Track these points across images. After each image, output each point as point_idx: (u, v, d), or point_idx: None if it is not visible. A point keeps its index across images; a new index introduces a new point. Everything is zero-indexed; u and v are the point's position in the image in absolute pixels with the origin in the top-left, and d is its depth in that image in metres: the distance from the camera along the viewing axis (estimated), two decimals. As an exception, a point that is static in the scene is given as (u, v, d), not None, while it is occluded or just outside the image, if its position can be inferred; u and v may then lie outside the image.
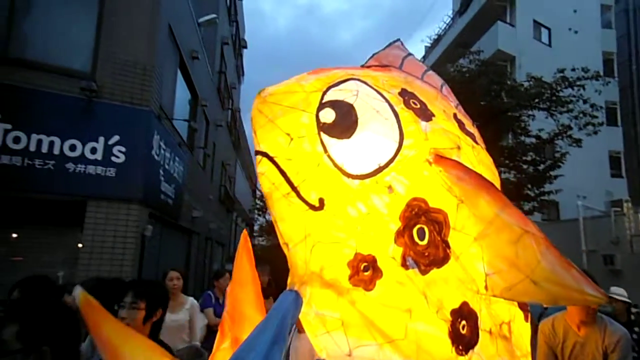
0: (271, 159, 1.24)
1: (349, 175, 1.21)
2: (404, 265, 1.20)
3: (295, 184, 1.21)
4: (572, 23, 20.41)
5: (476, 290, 1.23)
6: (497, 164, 1.59)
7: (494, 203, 1.17)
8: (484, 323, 1.27)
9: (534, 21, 20.23)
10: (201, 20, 10.64)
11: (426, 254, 1.21)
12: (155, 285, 2.44)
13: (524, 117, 13.16)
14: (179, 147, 8.13)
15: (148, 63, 6.24)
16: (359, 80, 1.37)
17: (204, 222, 12.01)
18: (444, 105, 1.52)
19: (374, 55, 1.70)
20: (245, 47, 22.90)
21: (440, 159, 1.25)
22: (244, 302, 1.57)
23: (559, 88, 12.64)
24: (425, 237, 1.20)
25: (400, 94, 1.39)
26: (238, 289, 1.61)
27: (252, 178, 27.43)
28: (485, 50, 14.85)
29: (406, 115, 1.31)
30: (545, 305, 1.68)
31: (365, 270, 1.20)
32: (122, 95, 6.05)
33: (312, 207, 1.21)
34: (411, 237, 1.20)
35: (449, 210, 1.23)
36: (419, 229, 1.21)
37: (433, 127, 1.34)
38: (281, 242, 1.27)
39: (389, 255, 1.20)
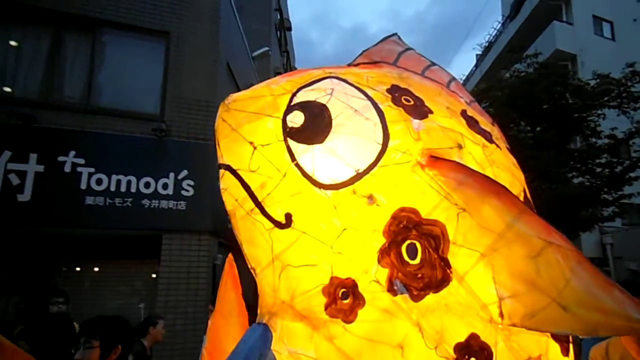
0: (234, 172, 1.11)
1: (320, 186, 1.04)
2: (391, 290, 1.00)
3: (260, 199, 1.07)
4: (637, 13, 19.11)
5: (489, 319, 0.99)
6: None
7: (505, 210, 0.97)
8: None
9: (594, 16, 19.16)
10: (255, 54, 11.13)
11: (419, 275, 1.00)
12: (112, 322, 2.27)
13: (593, 117, 12.37)
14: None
15: (210, 100, 6.61)
16: (336, 78, 1.21)
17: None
18: (449, 101, 1.32)
19: (363, 52, 1.53)
20: (296, 74, 23.54)
21: (435, 161, 1.06)
22: (227, 337, 1.35)
23: (629, 84, 11.81)
24: (417, 255, 1.00)
25: (389, 90, 1.21)
26: (220, 322, 1.41)
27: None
28: (542, 51, 14.23)
29: (393, 113, 1.13)
30: (581, 337, 1.25)
31: (343, 298, 1.01)
32: (188, 132, 6.43)
33: (278, 224, 1.05)
34: (399, 255, 1.00)
35: (447, 221, 1.02)
36: (409, 245, 1.01)
37: (428, 125, 1.14)
38: (249, 267, 1.13)
39: (372, 278, 1.01)
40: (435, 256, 1.00)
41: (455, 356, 0.98)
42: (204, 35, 6.90)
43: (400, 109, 1.15)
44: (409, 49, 1.56)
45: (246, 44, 9.90)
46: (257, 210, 1.07)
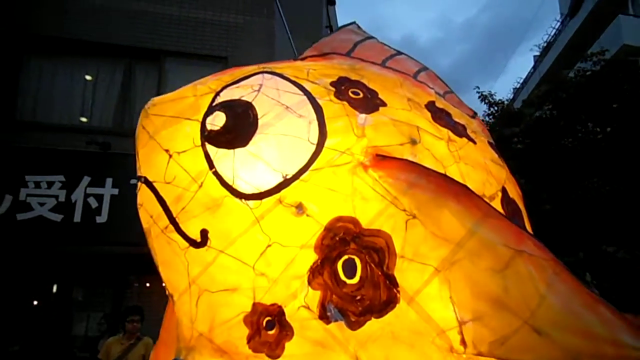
0: (150, 185, 0.98)
1: (241, 196, 0.91)
2: (324, 317, 0.86)
3: (174, 214, 0.94)
4: None
5: (448, 348, 0.82)
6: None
7: (466, 214, 0.82)
8: None
9: (664, 6, 17.84)
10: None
11: (358, 297, 0.86)
12: None
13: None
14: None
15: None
16: (269, 72, 1.07)
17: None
18: (413, 92, 1.16)
19: (314, 44, 1.41)
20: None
21: (381, 160, 0.90)
22: None
23: None
24: (356, 273, 0.86)
25: (334, 83, 1.07)
26: (163, 352, 1.21)
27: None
28: (608, 48, 13.39)
29: (335, 108, 1.00)
30: None
31: (268, 328, 0.87)
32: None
33: (193, 242, 0.92)
34: (334, 274, 0.86)
35: (393, 230, 0.87)
36: (346, 261, 0.87)
37: (378, 119, 1.00)
38: (167, 293, 1.02)
39: (301, 303, 0.86)
40: (379, 273, 0.86)
41: None
42: (260, 58, 7.17)
43: (345, 103, 1.01)
44: (369, 37, 1.41)
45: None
46: (171, 227, 0.94)
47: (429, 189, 0.86)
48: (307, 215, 0.88)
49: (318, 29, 14.91)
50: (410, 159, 0.93)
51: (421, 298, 0.83)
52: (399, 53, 1.39)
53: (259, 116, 0.96)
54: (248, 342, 0.87)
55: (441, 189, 0.86)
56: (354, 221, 0.87)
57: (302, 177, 0.90)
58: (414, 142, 0.98)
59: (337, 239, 0.86)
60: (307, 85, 1.04)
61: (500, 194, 1.08)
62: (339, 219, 0.87)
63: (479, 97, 12.20)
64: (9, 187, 5.62)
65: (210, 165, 0.93)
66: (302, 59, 1.33)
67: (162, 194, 0.96)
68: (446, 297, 0.82)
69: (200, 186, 0.93)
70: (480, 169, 1.07)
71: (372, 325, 0.84)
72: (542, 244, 0.79)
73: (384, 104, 1.05)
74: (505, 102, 12.87)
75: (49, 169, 5.85)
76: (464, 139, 1.12)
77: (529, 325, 0.74)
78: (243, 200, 0.90)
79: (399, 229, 0.86)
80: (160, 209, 0.96)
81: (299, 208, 0.89)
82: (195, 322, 0.91)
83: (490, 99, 12.24)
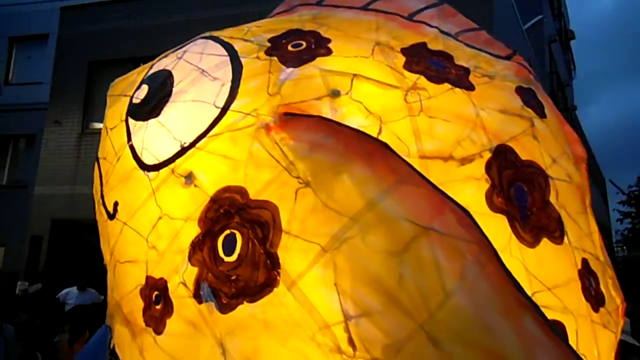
0: (97, 161, 1.03)
1: (144, 167, 0.88)
2: (197, 296, 0.78)
3: (103, 188, 0.98)
4: None
5: (333, 347, 0.66)
6: None
7: (372, 181, 0.68)
8: None
9: None
10: (527, 25, 10.26)
11: (233, 277, 0.74)
12: (83, 311, 2.36)
13: None
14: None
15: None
16: (204, 37, 1.00)
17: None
18: (395, 35, 1.00)
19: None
20: (573, 37, 20.77)
21: (289, 120, 0.77)
22: None
23: None
24: (235, 250, 0.75)
25: (274, 38, 0.94)
26: None
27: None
28: None
29: (258, 65, 0.88)
30: None
31: (156, 302, 0.83)
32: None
33: (109, 215, 0.94)
34: (213, 250, 0.77)
35: (280, 201, 0.74)
36: (227, 236, 0.76)
37: (305, 72, 0.86)
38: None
39: (180, 279, 0.79)
40: (261, 251, 0.73)
41: None
42: (477, 13, 6.83)
43: (274, 59, 0.90)
44: None
45: (518, 16, 9.22)
46: (100, 200, 1.00)
47: (334, 150, 0.73)
48: (195, 186, 0.82)
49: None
50: (328, 115, 0.81)
51: (304, 283, 0.70)
52: None
53: (174, 84, 0.94)
54: (143, 315, 0.87)
55: (350, 149, 0.72)
56: (242, 191, 0.77)
57: (198, 145, 0.84)
58: (335, 94, 0.84)
59: (222, 211, 0.78)
60: (238, 44, 0.97)
61: (488, 154, 0.86)
62: (227, 189, 0.79)
63: None
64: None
65: (129, 138, 0.95)
66: (271, 17, 1.24)
67: (101, 169, 1.03)
68: (331, 284, 0.68)
69: (118, 160, 0.96)
70: (458, 122, 0.89)
71: (244, 310, 0.73)
72: (472, 220, 0.61)
73: (327, 53, 0.93)
74: None
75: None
76: (444, 86, 0.92)
77: (425, 331, 0.59)
78: (145, 171, 0.90)
79: (288, 199, 0.73)
80: (99, 183, 1.03)
81: (188, 178, 0.84)
82: (113, 291, 0.97)
83: None
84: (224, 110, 0.84)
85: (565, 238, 0.91)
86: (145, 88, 0.98)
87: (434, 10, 1.15)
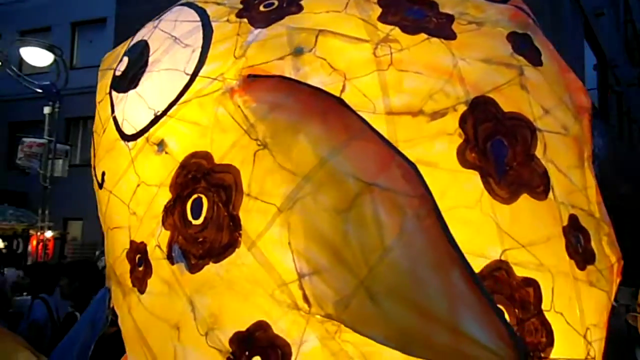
0: (92, 135, 1.09)
1: (124, 137, 0.92)
2: (169, 257, 0.83)
3: (93, 159, 1.05)
4: None
5: (290, 304, 0.71)
6: None
7: (325, 138, 0.69)
8: None
9: None
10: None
11: (200, 239, 0.79)
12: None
13: None
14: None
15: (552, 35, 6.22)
16: (182, 4, 1.00)
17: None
18: None
19: None
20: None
21: (252, 82, 0.77)
22: None
23: None
24: (201, 213, 0.80)
25: (245, 0, 0.92)
26: None
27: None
28: None
29: (228, 29, 0.88)
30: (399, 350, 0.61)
31: (139, 265, 0.88)
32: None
33: (98, 184, 1.01)
34: (183, 214, 0.82)
35: (242, 164, 0.77)
36: (194, 200, 0.81)
37: (273, 31, 0.84)
38: None
39: (156, 242, 0.86)
40: (225, 214, 0.78)
41: (230, 349, 0.75)
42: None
43: (244, 20, 0.89)
44: None
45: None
46: (93, 171, 1.06)
47: (293, 110, 0.75)
48: (166, 153, 0.87)
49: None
50: (290, 74, 0.81)
51: (263, 243, 0.75)
52: None
53: (150, 54, 0.97)
54: (130, 276, 0.94)
55: (307, 108, 0.74)
56: (208, 156, 0.82)
57: (169, 113, 0.88)
58: (298, 52, 0.84)
59: (190, 176, 0.83)
60: (211, 9, 0.97)
61: (463, 107, 0.82)
62: (194, 154, 0.83)
63: None
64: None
65: (112, 110, 1.00)
66: None
67: (94, 142, 1.10)
68: (286, 243, 0.72)
69: (104, 132, 1.02)
70: (432, 74, 0.85)
71: (210, 270, 0.79)
72: (418, 174, 0.61)
73: (298, 11, 0.91)
74: None
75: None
76: (420, 36, 0.88)
77: (364, 287, 0.62)
78: (125, 141, 0.95)
79: (248, 162, 0.77)
80: (92, 155, 1.10)
81: (160, 146, 0.88)
82: (108, 255, 1.05)
83: None
84: (193, 76, 0.87)
85: (551, 193, 0.86)
86: (125, 60, 1.01)
87: None
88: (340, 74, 0.81)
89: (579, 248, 0.88)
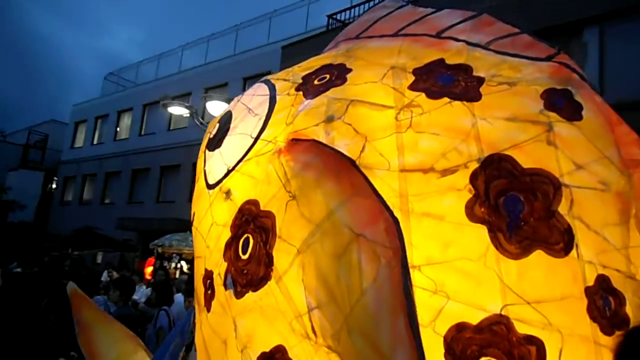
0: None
1: (208, 186, 1.11)
2: (224, 284, 1.01)
3: (193, 203, 1.23)
4: None
5: (304, 334, 0.82)
6: None
7: (335, 194, 0.79)
8: None
9: None
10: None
11: (245, 271, 0.96)
12: None
13: None
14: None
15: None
16: (262, 81, 1.19)
17: None
18: (414, 55, 1.06)
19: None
20: None
21: (293, 144, 0.91)
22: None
23: None
24: (248, 249, 0.97)
25: (307, 75, 1.07)
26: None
27: None
28: None
29: (286, 100, 1.03)
30: None
31: (209, 289, 1.03)
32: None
33: (191, 223, 1.19)
34: (236, 249, 0.99)
35: (278, 211, 0.93)
36: (245, 239, 0.99)
37: (317, 102, 0.97)
38: None
39: (217, 271, 1.00)
40: (263, 252, 0.94)
41: None
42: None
43: (300, 93, 1.05)
44: (400, 7, 1.25)
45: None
46: (192, 212, 1.26)
47: (317, 168, 0.90)
48: (230, 200, 1.06)
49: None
50: (322, 138, 0.96)
51: (287, 278, 0.89)
52: (437, 11, 1.20)
53: (232, 121, 1.18)
54: (204, 298, 1.11)
55: (327, 167, 0.89)
56: (256, 203, 0.99)
57: (237, 168, 1.08)
58: (330, 119, 0.99)
59: (243, 219, 1.01)
60: (279, 84, 1.18)
61: (475, 164, 0.88)
62: (248, 201, 1.01)
63: None
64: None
65: (204, 165, 1.23)
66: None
67: (194, 189, 1.30)
68: (301, 280, 0.86)
69: (197, 181, 1.25)
70: (448, 134, 0.92)
71: (250, 297, 0.95)
72: (398, 229, 0.71)
73: (342, 83, 1.06)
74: None
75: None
76: (442, 100, 0.96)
77: (347, 324, 0.73)
78: (208, 190, 1.16)
79: (282, 210, 0.94)
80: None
81: (227, 194, 1.08)
82: (195, 279, 1.21)
83: None
84: (256, 139, 1.07)
85: (574, 251, 0.83)
86: (217, 126, 1.27)
87: (467, 24, 1.16)
88: (362, 137, 0.95)
89: (606, 311, 0.83)
